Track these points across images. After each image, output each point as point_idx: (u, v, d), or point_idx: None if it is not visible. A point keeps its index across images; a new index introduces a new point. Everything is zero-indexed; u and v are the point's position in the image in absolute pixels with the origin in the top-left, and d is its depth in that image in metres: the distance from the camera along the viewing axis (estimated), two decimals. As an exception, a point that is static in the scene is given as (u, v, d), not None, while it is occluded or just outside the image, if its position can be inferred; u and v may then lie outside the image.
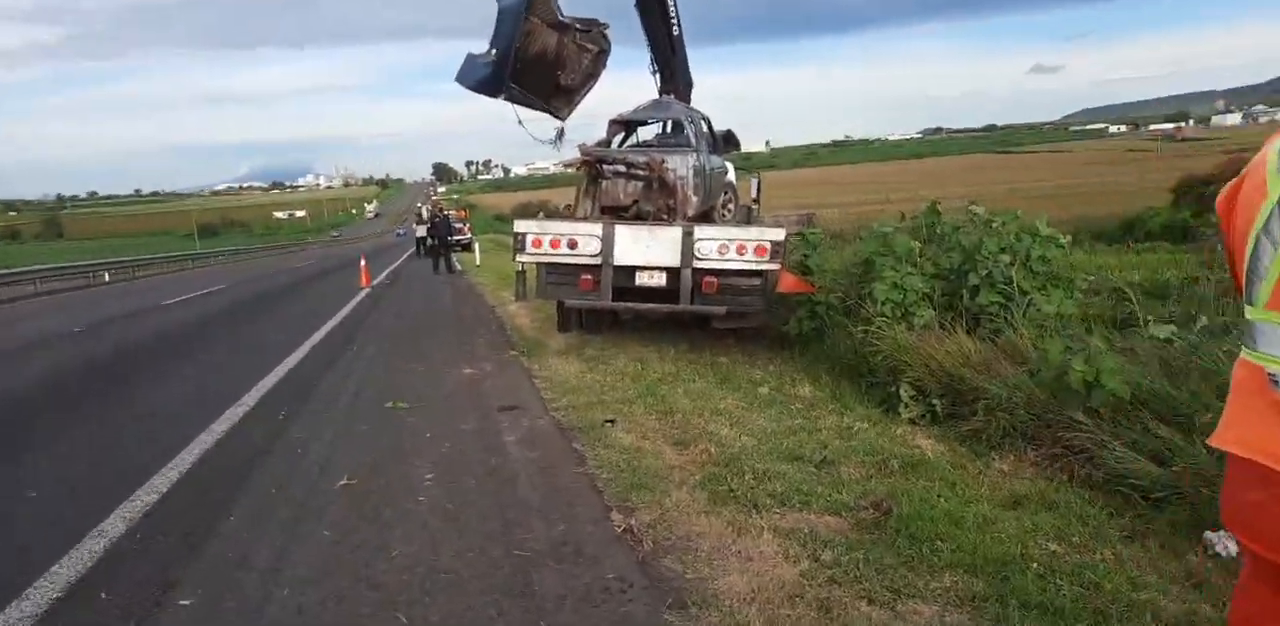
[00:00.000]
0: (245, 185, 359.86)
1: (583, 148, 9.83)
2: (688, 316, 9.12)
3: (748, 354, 8.94)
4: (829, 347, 8.16)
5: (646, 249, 8.43)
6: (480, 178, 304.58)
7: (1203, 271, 12.51)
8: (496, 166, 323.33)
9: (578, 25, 9.56)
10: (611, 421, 5.83)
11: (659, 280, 8.60)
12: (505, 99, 9.13)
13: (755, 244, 8.20)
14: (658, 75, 11.34)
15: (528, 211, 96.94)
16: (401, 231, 37.67)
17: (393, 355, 9.21)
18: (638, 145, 11.38)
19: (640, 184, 9.96)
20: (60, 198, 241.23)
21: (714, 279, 8.41)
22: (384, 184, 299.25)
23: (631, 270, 8.60)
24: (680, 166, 9.77)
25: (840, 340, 8.03)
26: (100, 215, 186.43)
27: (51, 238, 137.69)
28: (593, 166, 9.86)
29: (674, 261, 8.37)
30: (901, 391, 6.34)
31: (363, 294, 17.57)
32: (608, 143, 10.54)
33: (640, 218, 9.64)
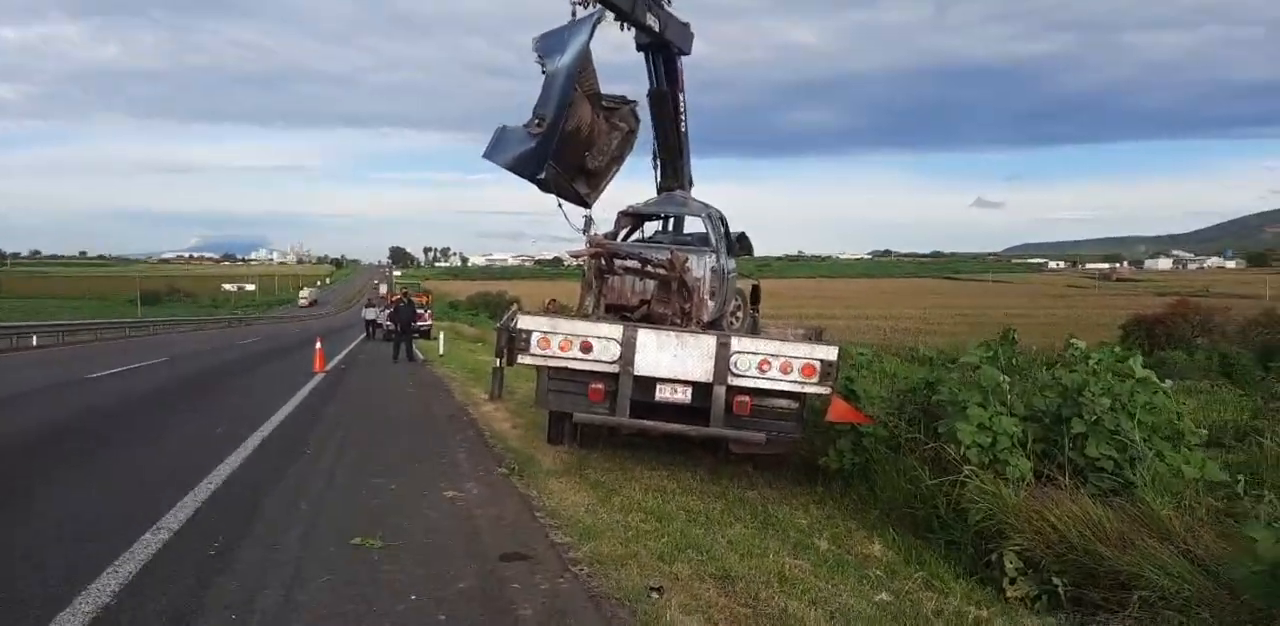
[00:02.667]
0: (195, 255, 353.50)
1: (594, 239, 8.86)
2: (700, 437, 7.88)
3: (777, 488, 7.69)
4: (882, 489, 6.95)
5: (674, 359, 7.32)
6: (437, 264, 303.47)
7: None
8: (454, 254, 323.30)
9: (606, 102, 8.76)
10: (658, 590, 4.45)
11: (683, 396, 7.46)
12: (542, 180, 8.04)
13: (803, 362, 7.12)
14: (658, 171, 10.65)
15: (489, 302, 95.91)
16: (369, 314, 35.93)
17: (356, 465, 7.70)
18: (645, 240, 10.56)
19: (654, 283, 9.11)
20: (0, 253, 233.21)
21: (747, 399, 7.32)
22: (339, 264, 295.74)
23: (651, 382, 7.46)
24: (698, 267, 8.98)
25: (894, 481, 6.84)
26: (41, 274, 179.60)
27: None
28: (603, 260, 8.89)
29: (705, 376, 7.28)
30: (1006, 562, 5.12)
31: (317, 380, 15.93)
32: (614, 236, 9.70)
33: (649, 321, 8.69)
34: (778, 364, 7.12)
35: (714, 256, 9.18)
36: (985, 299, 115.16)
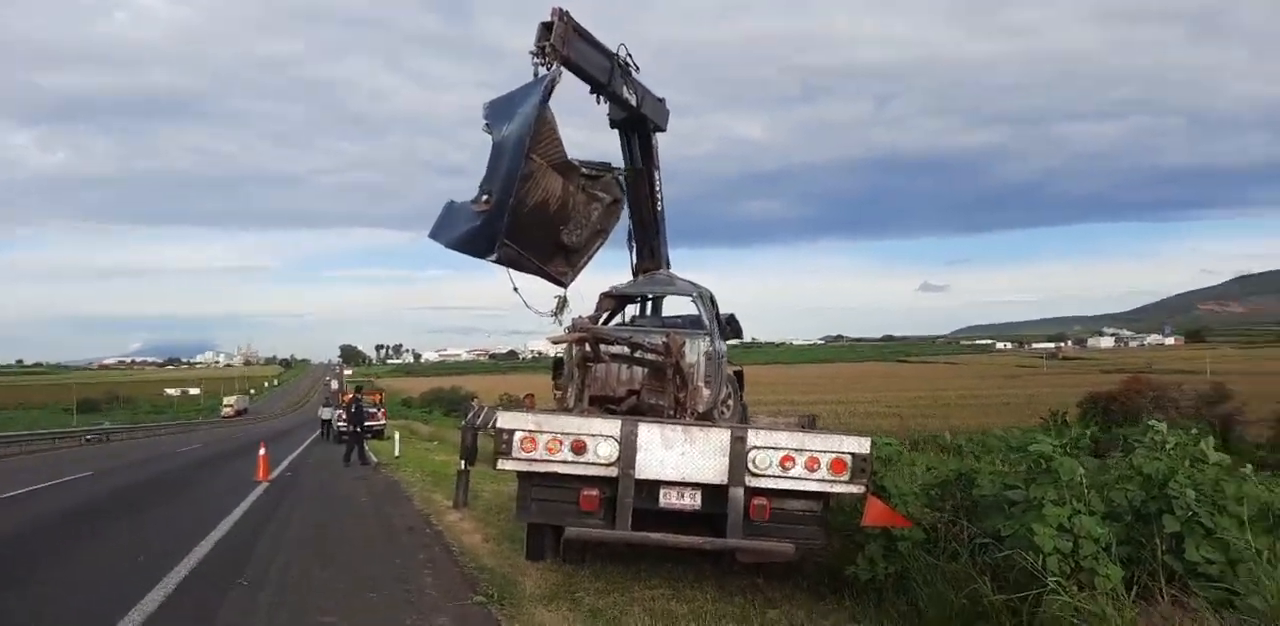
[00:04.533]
0: (138, 360, 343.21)
1: (578, 323, 8.05)
2: (714, 550, 6.76)
3: (798, 604, 6.60)
4: (928, 605, 5.92)
5: (681, 458, 6.32)
6: (390, 361, 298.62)
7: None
8: (407, 351, 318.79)
9: (585, 169, 8.00)
10: None
11: (691, 501, 6.46)
12: (497, 260, 7.22)
13: (832, 457, 6.22)
14: (633, 252, 10.10)
15: (443, 398, 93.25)
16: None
17: (302, 600, 6.44)
18: (627, 324, 9.78)
19: (644, 371, 8.30)
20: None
21: (765, 502, 6.34)
22: (287, 364, 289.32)
23: (654, 486, 6.43)
24: (692, 352, 8.20)
25: (943, 594, 5.82)
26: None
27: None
28: (587, 347, 8.03)
29: (718, 477, 6.30)
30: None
31: (259, 491, 14.43)
32: (595, 320, 8.89)
33: (637, 413, 7.80)
34: (803, 460, 6.21)
35: (708, 340, 8.44)
36: (938, 381, 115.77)
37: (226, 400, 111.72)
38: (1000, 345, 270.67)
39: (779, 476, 6.20)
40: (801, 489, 6.25)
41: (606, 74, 8.02)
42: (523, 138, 6.86)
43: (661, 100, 9.35)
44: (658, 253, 10.09)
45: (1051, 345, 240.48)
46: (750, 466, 6.21)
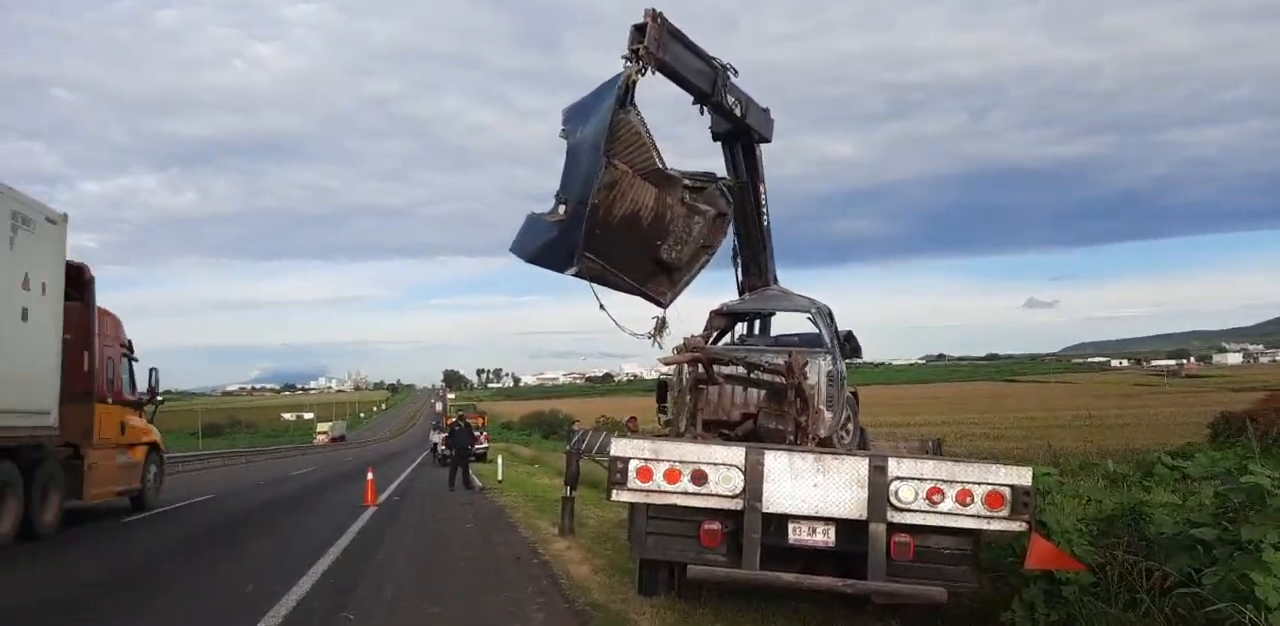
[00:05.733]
0: (257, 387, 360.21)
1: (690, 342, 7.60)
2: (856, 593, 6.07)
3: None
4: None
5: (814, 489, 5.78)
6: (490, 386, 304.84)
7: None
8: (507, 375, 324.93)
9: (686, 180, 7.49)
10: None
11: (824, 537, 5.92)
12: (577, 274, 6.76)
13: (987, 490, 5.58)
14: (738, 268, 9.67)
15: (542, 421, 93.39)
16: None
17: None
18: (738, 343, 9.17)
19: (760, 393, 7.77)
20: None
21: (908, 539, 5.74)
22: (394, 389, 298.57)
23: (782, 521, 5.90)
24: (813, 373, 7.66)
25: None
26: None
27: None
28: (699, 368, 7.57)
29: (855, 511, 5.74)
30: None
31: (367, 515, 14.42)
32: (706, 339, 8.41)
33: (755, 438, 7.31)
34: (953, 492, 5.60)
35: (829, 359, 7.89)
36: (1052, 400, 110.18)
37: (321, 426, 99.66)
38: (1116, 362, 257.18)
39: (926, 511, 5.63)
40: (952, 525, 5.65)
41: (707, 81, 7.54)
42: (598, 139, 6.40)
43: (766, 109, 8.87)
44: (766, 269, 9.60)
45: (1173, 362, 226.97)
46: (893, 499, 5.64)
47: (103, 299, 13.05)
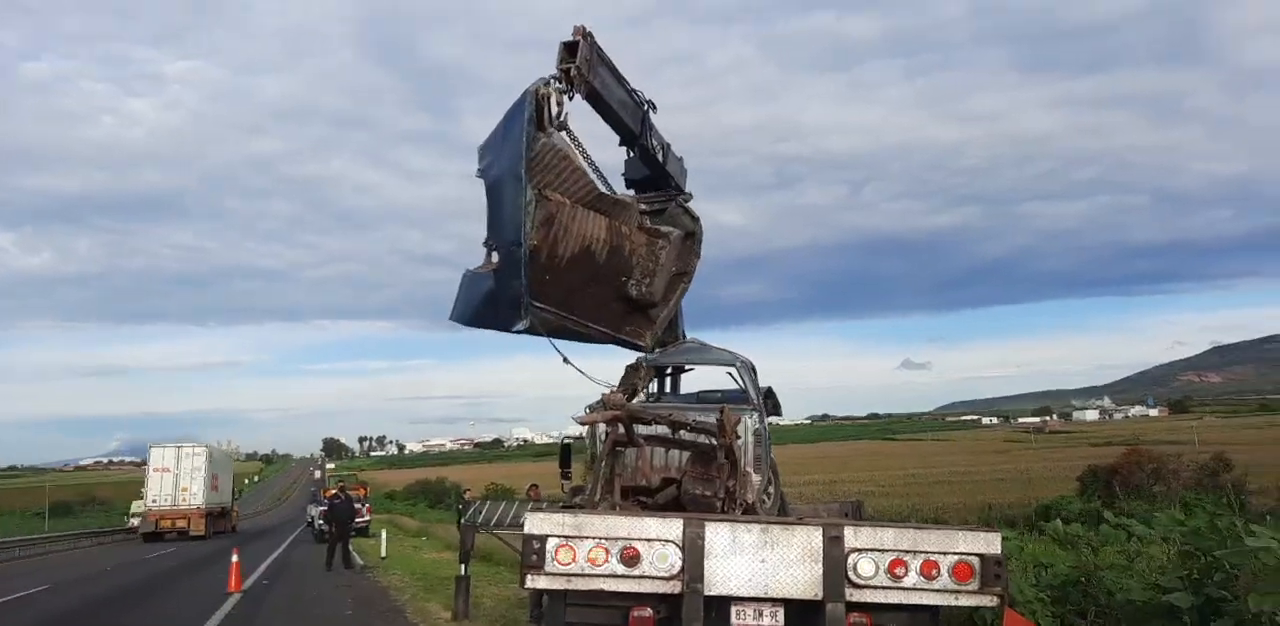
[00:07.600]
0: (115, 460, 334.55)
1: (610, 399, 6.67)
2: None
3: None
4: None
5: (761, 565, 5.10)
6: (374, 453, 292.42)
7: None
8: (391, 442, 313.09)
9: (642, 204, 6.77)
10: None
11: (772, 621, 5.22)
12: (529, 330, 5.95)
13: (955, 560, 5.03)
14: None
15: (428, 489, 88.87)
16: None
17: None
18: (652, 399, 8.42)
19: (685, 455, 6.98)
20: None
21: (864, 618, 5.15)
22: (268, 460, 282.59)
23: (725, 603, 5.19)
24: (741, 432, 6.99)
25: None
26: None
27: None
28: (620, 427, 6.75)
29: (809, 590, 5.08)
30: None
31: (230, 604, 13.14)
32: (629, 396, 7.64)
33: (679, 507, 6.63)
34: (917, 564, 5.03)
35: (755, 417, 7.35)
36: (929, 457, 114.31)
37: (134, 507, 63.82)
38: (986, 420, 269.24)
39: (889, 587, 5.03)
40: (916, 602, 5.07)
41: (634, 117, 6.71)
42: (517, 169, 5.44)
43: (681, 159, 8.18)
44: (675, 325, 8.92)
45: (1037, 419, 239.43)
46: (851, 575, 5.03)
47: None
